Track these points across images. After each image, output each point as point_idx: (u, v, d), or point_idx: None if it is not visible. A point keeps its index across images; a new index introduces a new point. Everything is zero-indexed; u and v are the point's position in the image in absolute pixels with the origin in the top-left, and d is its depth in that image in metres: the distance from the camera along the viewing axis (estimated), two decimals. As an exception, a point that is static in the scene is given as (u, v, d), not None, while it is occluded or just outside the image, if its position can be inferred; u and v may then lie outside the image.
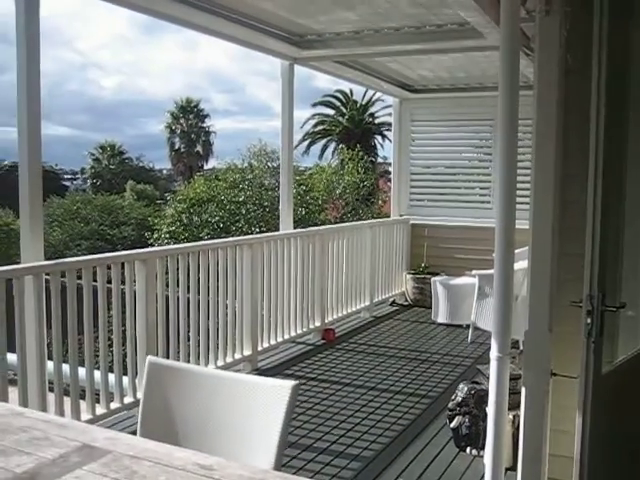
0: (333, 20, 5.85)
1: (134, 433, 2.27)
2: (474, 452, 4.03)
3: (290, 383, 1.92)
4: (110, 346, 4.48)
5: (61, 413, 4.04)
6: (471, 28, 5.16)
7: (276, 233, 6.74)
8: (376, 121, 34.00)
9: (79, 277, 4.18)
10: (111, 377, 4.48)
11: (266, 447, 1.90)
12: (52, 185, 35.49)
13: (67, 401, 4.13)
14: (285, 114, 6.87)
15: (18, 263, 3.99)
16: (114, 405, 4.46)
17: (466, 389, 4.09)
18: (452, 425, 4.11)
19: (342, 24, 5.98)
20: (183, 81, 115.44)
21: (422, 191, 9.66)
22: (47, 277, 3.97)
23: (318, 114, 35.16)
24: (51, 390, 4.06)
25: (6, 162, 38.52)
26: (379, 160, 32.96)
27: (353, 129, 32.83)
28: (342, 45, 6.36)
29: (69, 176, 50.76)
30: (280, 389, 1.92)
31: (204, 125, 43.34)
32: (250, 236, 6.06)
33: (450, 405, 4.14)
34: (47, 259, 4.11)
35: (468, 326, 7.08)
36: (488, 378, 3.11)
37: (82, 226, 24.48)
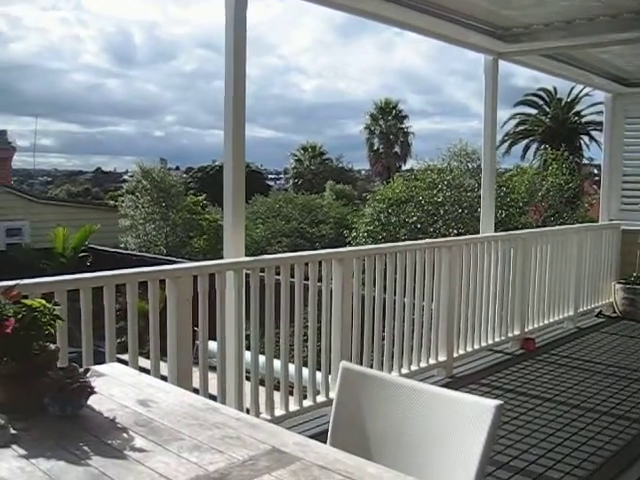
0: (541, 10, 5.49)
1: (323, 434, 2.21)
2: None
3: (494, 402, 1.74)
4: (305, 342, 4.52)
5: (256, 405, 4.13)
6: None
7: (476, 236, 6.48)
8: (582, 120, 32.04)
9: (277, 273, 4.26)
10: (305, 373, 4.52)
11: (465, 469, 1.74)
12: (257, 184, 37.42)
13: (261, 392, 4.22)
14: (488, 113, 6.59)
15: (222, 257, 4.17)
16: (307, 403, 4.49)
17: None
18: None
19: (551, 14, 5.59)
20: (379, 82, 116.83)
21: (636, 194, 8.88)
22: (247, 272, 4.08)
23: (519, 114, 33.76)
24: (247, 379, 4.17)
25: (217, 162, 41.12)
26: (584, 161, 31.04)
27: (557, 129, 31.18)
28: (551, 37, 5.95)
29: (272, 176, 53.38)
30: (483, 408, 1.75)
31: (402, 126, 43.42)
32: (449, 238, 5.90)
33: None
34: (250, 255, 4.25)
35: (689, 345, 6.37)
36: None
37: (283, 224, 25.46)
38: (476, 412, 1.76)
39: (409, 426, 1.90)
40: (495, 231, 7.10)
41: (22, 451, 1.75)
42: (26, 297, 2.15)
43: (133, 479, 1.61)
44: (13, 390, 1.98)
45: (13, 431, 1.84)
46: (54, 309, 2.12)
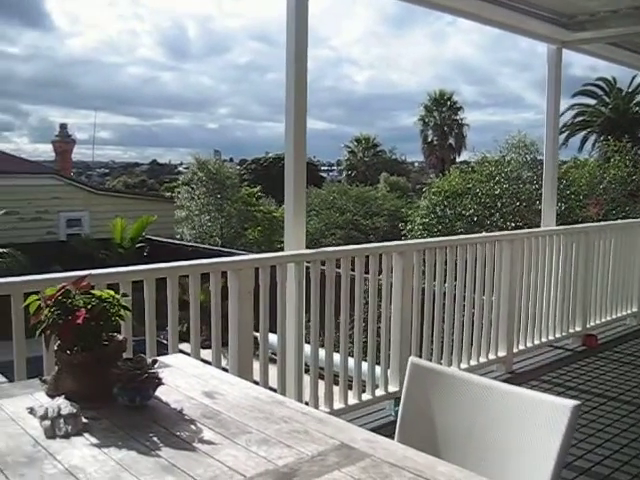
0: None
1: (382, 427, 2.18)
2: None
3: (571, 403, 1.68)
4: (365, 335, 4.49)
5: (315, 398, 4.12)
6: None
7: (538, 229, 6.35)
8: (644, 110, 31.00)
9: (337, 266, 4.23)
10: (364, 367, 4.49)
11: (539, 471, 1.69)
12: (310, 176, 37.33)
13: (320, 385, 4.21)
14: (551, 104, 6.44)
15: (279, 249, 4.16)
16: (366, 396, 4.46)
17: None
18: None
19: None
20: (432, 73, 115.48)
21: None
22: (307, 265, 4.07)
23: (577, 104, 32.87)
24: (306, 372, 4.17)
25: (270, 154, 41.31)
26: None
27: (617, 120, 30.27)
28: (620, 24, 5.74)
29: (325, 167, 53.42)
30: (558, 408, 1.69)
31: (456, 117, 42.91)
32: (510, 232, 5.79)
33: None
34: (306, 247, 4.24)
35: None
36: None
37: (337, 216, 25.40)
38: (551, 412, 1.70)
39: (479, 424, 1.85)
40: (556, 224, 6.95)
41: (94, 440, 1.77)
42: (93, 287, 2.17)
43: (203, 471, 1.61)
44: (84, 379, 2.01)
45: (84, 420, 1.86)
46: (122, 300, 2.14)
